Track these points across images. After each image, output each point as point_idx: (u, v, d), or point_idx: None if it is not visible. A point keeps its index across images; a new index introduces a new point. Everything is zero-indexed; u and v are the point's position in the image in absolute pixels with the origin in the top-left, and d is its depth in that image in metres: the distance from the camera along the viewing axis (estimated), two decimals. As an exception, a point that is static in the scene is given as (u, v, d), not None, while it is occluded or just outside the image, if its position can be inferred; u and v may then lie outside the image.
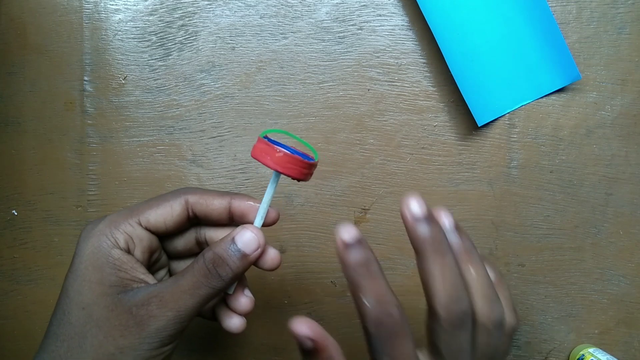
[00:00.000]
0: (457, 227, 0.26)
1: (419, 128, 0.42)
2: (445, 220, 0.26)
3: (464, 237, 0.26)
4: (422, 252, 0.24)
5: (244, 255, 0.27)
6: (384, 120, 0.42)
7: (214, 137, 0.42)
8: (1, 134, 0.43)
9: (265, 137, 0.28)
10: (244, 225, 0.28)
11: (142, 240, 0.28)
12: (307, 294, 0.43)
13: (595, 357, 0.40)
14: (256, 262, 0.29)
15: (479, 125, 0.41)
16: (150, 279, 0.28)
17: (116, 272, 0.27)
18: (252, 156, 0.27)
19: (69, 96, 0.42)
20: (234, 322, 0.30)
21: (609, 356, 0.40)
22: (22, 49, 0.42)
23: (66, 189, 0.43)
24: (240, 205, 0.29)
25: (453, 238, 0.25)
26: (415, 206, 0.24)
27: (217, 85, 0.42)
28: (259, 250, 0.28)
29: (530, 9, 0.41)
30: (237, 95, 0.42)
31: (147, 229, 0.29)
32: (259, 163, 0.43)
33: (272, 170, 0.27)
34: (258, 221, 0.29)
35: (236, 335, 0.43)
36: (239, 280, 0.30)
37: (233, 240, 0.27)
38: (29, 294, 0.43)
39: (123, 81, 0.42)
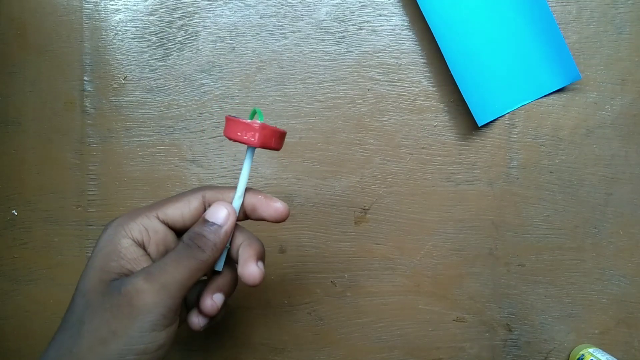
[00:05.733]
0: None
1: (419, 128, 0.42)
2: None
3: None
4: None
5: (218, 227, 0.29)
6: (384, 120, 0.42)
7: (214, 137, 0.42)
8: (1, 134, 0.43)
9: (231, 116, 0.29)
10: (214, 203, 0.30)
11: (157, 233, 0.29)
12: (307, 294, 0.43)
13: (595, 357, 0.40)
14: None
15: (479, 125, 0.41)
16: None
17: (119, 260, 0.27)
18: (224, 134, 0.29)
19: (69, 96, 0.42)
20: (193, 319, 0.31)
21: (609, 356, 0.40)
22: (22, 49, 0.42)
23: (66, 189, 0.43)
24: (252, 199, 0.30)
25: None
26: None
27: (217, 85, 0.42)
28: (230, 220, 0.29)
29: (530, 9, 0.41)
30: (237, 95, 0.42)
31: (164, 222, 0.30)
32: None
33: (247, 147, 0.29)
34: (235, 198, 0.30)
35: (236, 336, 0.43)
36: (209, 269, 0.30)
37: (205, 217, 0.29)
38: (29, 294, 0.43)
39: (123, 81, 0.42)
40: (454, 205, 0.43)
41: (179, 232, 0.31)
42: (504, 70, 0.41)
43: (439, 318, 0.43)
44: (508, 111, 0.42)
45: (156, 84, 0.42)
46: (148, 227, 0.29)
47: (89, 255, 0.28)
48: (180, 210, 0.30)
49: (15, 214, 0.43)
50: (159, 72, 0.42)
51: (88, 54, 0.42)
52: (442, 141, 0.43)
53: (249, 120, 0.28)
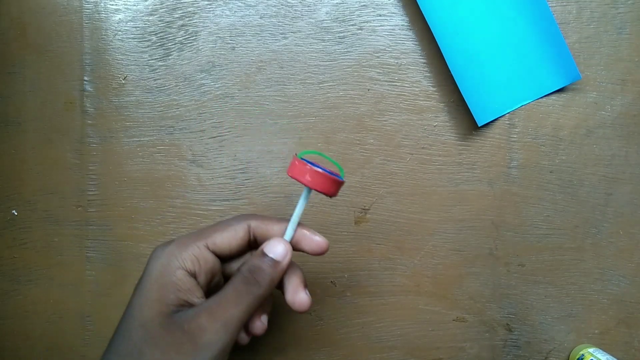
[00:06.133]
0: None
1: (419, 128, 0.42)
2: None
3: None
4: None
5: (276, 262, 0.30)
6: (384, 120, 0.42)
7: (214, 137, 0.42)
8: (1, 134, 0.43)
9: (302, 158, 0.30)
10: (273, 238, 0.31)
11: (207, 262, 0.30)
12: (307, 294, 0.43)
13: (595, 357, 0.40)
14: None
15: (479, 125, 0.41)
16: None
17: (176, 291, 0.28)
18: (288, 174, 0.30)
19: (69, 96, 0.42)
20: (242, 336, 0.33)
21: (608, 356, 0.40)
22: (22, 49, 0.42)
23: (66, 189, 0.43)
24: (297, 233, 0.32)
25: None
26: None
27: (217, 85, 0.42)
28: (288, 256, 0.31)
29: (530, 9, 0.41)
30: (237, 95, 0.42)
31: (213, 251, 0.31)
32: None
33: (305, 187, 0.30)
34: (288, 233, 0.31)
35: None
36: (264, 301, 0.31)
37: (264, 252, 0.30)
38: (29, 294, 0.43)
39: (123, 81, 0.42)
40: (454, 205, 0.43)
41: (224, 260, 0.32)
42: (504, 70, 0.41)
43: (439, 318, 0.43)
44: (508, 111, 0.42)
45: (156, 84, 0.42)
46: (199, 257, 0.30)
47: (141, 284, 0.29)
48: (229, 241, 0.31)
49: (15, 214, 0.43)
50: (159, 72, 0.42)
51: (88, 54, 0.42)
52: (442, 141, 0.43)
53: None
